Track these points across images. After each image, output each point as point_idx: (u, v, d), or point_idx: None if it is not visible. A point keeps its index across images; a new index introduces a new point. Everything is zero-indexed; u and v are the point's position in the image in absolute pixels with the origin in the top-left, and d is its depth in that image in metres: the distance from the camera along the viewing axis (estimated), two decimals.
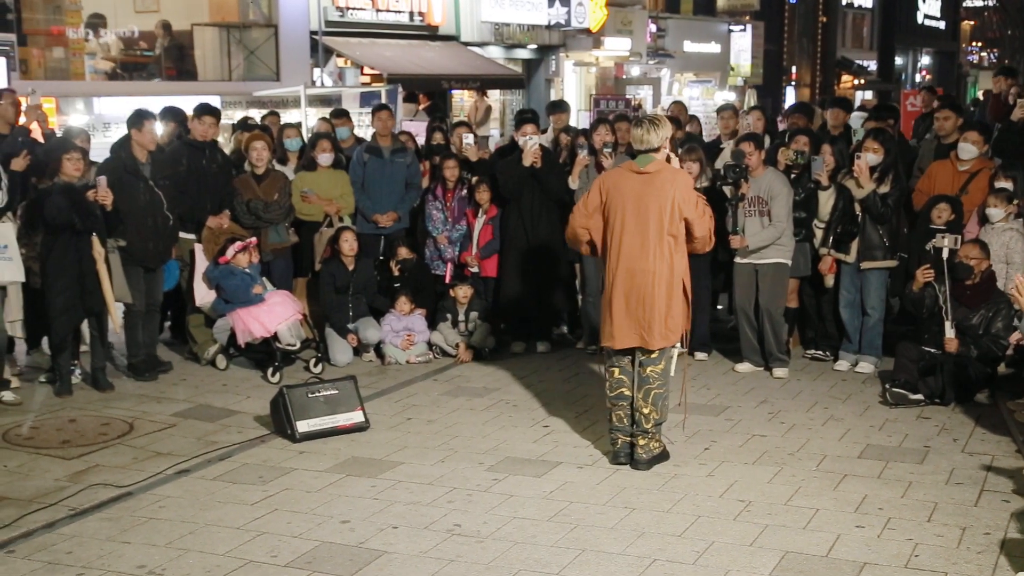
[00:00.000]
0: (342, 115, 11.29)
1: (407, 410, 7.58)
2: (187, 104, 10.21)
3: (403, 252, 9.34)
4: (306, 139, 10.41)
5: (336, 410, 6.98)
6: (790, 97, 39.10)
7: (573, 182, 9.07)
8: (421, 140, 11.10)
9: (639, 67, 29.74)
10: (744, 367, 8.52)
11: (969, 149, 8.59)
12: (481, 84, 22.17)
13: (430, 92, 20.55)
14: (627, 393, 6.39)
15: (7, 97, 8.97)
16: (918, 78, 52.01)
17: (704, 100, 26.94)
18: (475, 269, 9.37)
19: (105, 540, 5.34)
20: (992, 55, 58.20)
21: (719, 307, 10.25)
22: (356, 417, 7.04)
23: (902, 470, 6.24)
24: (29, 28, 16.75)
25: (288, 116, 15.51)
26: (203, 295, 8.78)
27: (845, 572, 4.92)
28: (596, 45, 27.44)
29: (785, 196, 8.22)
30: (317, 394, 6.98)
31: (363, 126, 13.92)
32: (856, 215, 8.27)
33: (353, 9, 21.14)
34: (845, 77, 44.22)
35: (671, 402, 6.60)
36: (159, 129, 8.78)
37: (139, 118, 8.20)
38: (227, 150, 10.10)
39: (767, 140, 9.54)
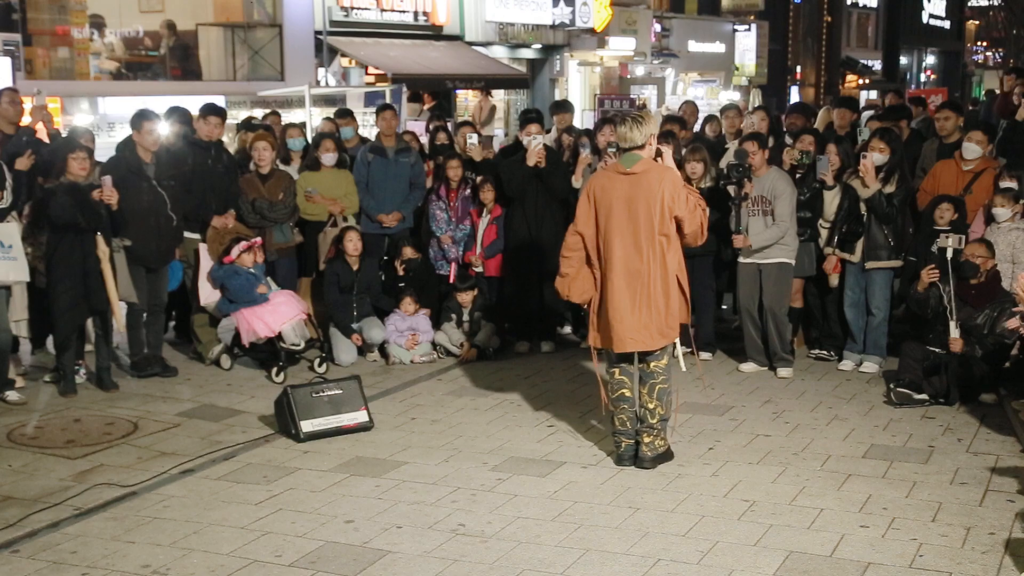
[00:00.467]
0: (346, 115, 11.30)
1: (411, 410, 7.58)
2: (191, 104, 10.22)
3: (408, 252, 9.35)
4: (311, 139, 10.42)
5: (340, 410, 6.98)
6: (794, 97, 39.08)
7: (576, 181, 9.08)
8: (423, 139, 11.10)
9: (643, 67, 29.75)
10: (748, 367, 8.51)
11: (973, 149, 8.58)
12: (485, 84, 22.19)
13: (434, 92, 20.55)
14: (627, 395, 6.37)
15: (8, 96, 8.97)
16: (923, 77, 51.98)
17: (708, 100, 26.96)
18: (479, 269, 9.37)
19: (109, 540, 5.34)
20: (997, 54, 58.13)
21: (723, 307, 10.24)
22: (360, 417, 7.04)
23: (906, 470, 6.23)
24: (34, 28, 16.74)
25: (292, 116, 15.56)
26: (207, 295, 8.79)
27: (849, 572, 4.91)
28: (600, 45, 27.44)
29: (788, 196, 8.21)
30: (321, 394, 6.98)
31: (367, 126, 13.93)
32: (861, 215, 8.26)
33: (357, 9, 21.16)
34: (850, 77, 44.15)
35: (675, 403, 6.59)
36: (163, 129, 8.78)
37: (139, 119, 8.21)
38: (231, 150, 10.10)
39: (771, 140, 9.54)
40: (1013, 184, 8.23)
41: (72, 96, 15.43)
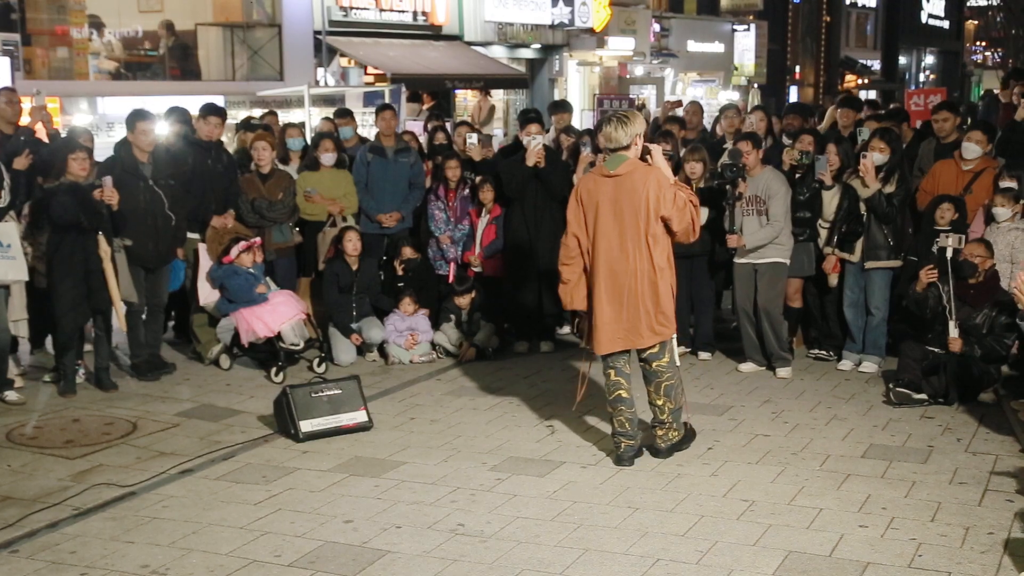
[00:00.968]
0: (346, 115, 11.30)
1: (410, 410, 7.58)
2: (191, 104, 10.22)
3: (407, 252, 9.35)
4: (310, 139, 10.42)
5: (339, 410, 6.98)
6: (794, 97, 39.11)
7: (576, 180, 9.07)
8: (421, 139, 11.10)
9: (643, 67, 29.77)
10: (747, 367, 8.51)
11: (973, 149, 8.57)
12: (485, 84, 22.18)
13: (434, 92, 20.55)
14: (624, 396, 6.37)
15: (6, 96, 8.97)
16: (922, 77, 51.99)
17: (708, 100, 26.96)
18: (478, 269, 9.37)
19: (109, 540, 5.34)
20: (996, 54, 58.08)
21: (722, 307, 10.24)
22: (359, 417, 7.05)
23: (905, 470, 6.23)
24: (33, 28, 16.73)
25: (292, 116, 15.55)
26: (207, 295, 8.79)
27: (848, 572, 4.91)
28: (600, 45, 27.45)
29: (783, 195, 8.20)
30: (320, 394, 6.98)
31: (366, 126, 13.94)
32: (861, 215, 8.26)
33: (357, 9, 21.16)
34: (849, 77, 44.18)
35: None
36: (159, 129, 8.77)
37: (133, 119, 8.18)
38: (230, 150, 10.10)
39: (770, 140, 9.53)
40: (1013, 184, 8.23)
41: (71, 96, 15.43)
